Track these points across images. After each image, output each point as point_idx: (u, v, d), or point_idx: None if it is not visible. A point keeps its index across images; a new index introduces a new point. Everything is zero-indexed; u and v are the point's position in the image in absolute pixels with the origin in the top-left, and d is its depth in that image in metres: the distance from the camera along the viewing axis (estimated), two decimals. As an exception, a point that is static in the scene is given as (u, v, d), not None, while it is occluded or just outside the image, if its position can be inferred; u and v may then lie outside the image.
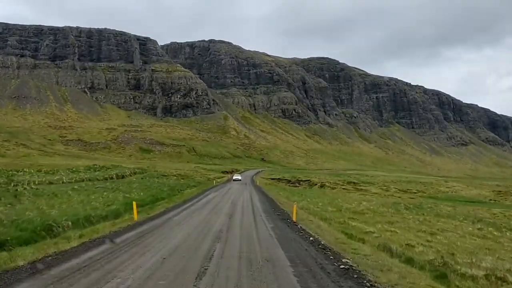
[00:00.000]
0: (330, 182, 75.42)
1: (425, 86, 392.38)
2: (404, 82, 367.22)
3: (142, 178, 52.20)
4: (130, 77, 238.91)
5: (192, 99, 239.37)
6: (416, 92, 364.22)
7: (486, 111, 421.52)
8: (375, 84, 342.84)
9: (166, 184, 41.37)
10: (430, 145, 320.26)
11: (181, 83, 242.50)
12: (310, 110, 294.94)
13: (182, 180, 52.42)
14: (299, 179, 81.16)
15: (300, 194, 43.25)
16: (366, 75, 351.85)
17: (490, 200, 64.43)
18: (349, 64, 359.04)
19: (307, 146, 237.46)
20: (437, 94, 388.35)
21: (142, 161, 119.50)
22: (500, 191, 72.70)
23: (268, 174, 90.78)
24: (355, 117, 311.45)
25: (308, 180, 77.89)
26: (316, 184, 73.87)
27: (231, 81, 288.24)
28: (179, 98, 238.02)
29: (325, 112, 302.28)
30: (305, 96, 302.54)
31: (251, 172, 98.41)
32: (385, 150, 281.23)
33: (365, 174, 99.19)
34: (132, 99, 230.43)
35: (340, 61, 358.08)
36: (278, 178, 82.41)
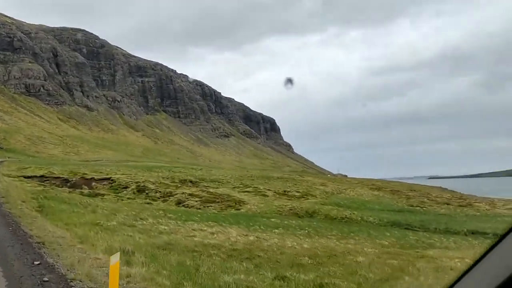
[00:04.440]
0: (151, 181, 40.67)
1: (189, 76, 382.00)
2: (170, 68, 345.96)
3: None
4: None
5: None
6: (182, 81, 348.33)
7: (241, 105, 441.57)
8: (140, 67, 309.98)
9: None
10: (197, 135, 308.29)
11: None
12: (63, 89, 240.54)
13: None
14: (85, 176, 43.13)
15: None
16: (131, 56, 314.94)
17: (414, 206, 41.38)
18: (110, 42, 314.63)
19: (61, 131, 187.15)
20: (200, 85, 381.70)
21: None
22: (393, 191, 51.92)
23: (17, 168, 48.74)
24: (119, 102, 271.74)
25: (109, 179, 41.02)
26: (127, 187, 38.00)
27: None
28: None
29: (83, 92, 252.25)
30: (57, 71, 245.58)
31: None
32: (154, 139, 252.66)
33: (190, 167, 67.33)
34: None
35: (100, 37, 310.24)
36: (42, 176, 42.42)
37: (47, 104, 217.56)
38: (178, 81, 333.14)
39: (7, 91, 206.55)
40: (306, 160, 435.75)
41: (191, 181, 44.41)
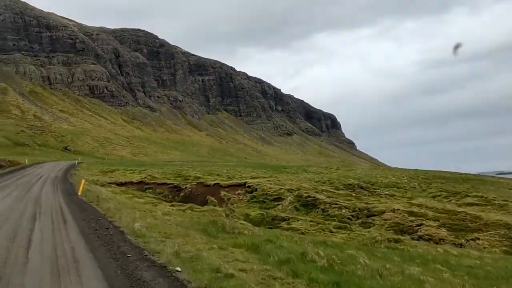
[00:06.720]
0: (306, 188, 25.51)
1: (248, 73, 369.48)
2: (229, 66, 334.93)
3: None
4: None
5: None
6: (242, 78, 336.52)
7: (302, 102, 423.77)
8: (200, 65, 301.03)
9: None
10: (259, 134, 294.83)
11: None
12: (126, 90, 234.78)
13: None
14: (202, 180, 28.66)
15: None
16: (190, 54, 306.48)
17: None
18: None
19: (127, 132, 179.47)
20: (259, 82, 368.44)
21: None
22: None
23: (100, 172, 35.66)
24: (181, 101, 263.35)
25: (243, 185, 26.35)
26: (280, 198, 23.33)
27: (14, 44, 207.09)
28: None
29: (145, 93, 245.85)
30: (119, 72, 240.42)
31: (50, 167, 40.62)
32: (218, 139, 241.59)
33: (321, 167, 53.03)
34: None
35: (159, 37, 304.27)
36: (140, 182, 28.41)
37: (111, 105, 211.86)
38: (238, 79, 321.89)
39: (71, 93, 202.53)
40: (371, 157, 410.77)
41: (361, 187, 29.39)
